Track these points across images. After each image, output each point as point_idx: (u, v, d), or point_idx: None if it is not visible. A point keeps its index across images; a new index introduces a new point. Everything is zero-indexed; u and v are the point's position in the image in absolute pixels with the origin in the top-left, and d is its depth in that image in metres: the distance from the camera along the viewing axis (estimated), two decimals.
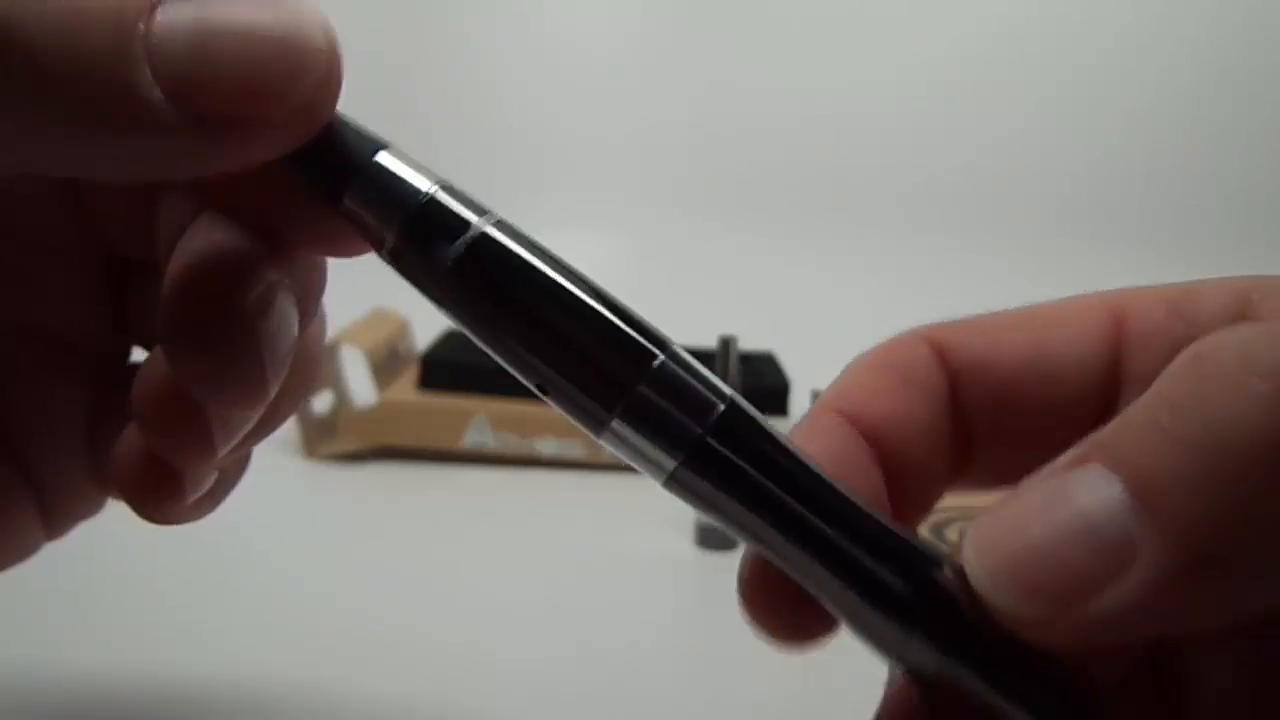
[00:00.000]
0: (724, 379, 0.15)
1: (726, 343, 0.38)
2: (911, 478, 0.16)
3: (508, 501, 0.42)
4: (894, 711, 0.15)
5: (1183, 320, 0.16)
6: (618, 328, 0.14)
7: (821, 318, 0.63)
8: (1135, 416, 0.12)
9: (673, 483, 0.14)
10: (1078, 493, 0.12)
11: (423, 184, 0.14)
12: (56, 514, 0.20)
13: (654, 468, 0.14)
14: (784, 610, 0.15)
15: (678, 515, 0.41)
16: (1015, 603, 0.12)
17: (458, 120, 0.73)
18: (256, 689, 0.26)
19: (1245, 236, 0.66)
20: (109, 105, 0.12)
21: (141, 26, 0.12)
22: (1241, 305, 0.15)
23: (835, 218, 0.67)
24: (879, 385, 0.16)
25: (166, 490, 0.17)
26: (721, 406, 0.14)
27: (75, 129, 0.12)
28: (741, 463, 0.14)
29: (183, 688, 0.25)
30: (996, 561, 0.12)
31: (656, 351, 0.14)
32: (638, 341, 0.14)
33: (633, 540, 0.40)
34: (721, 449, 0.14)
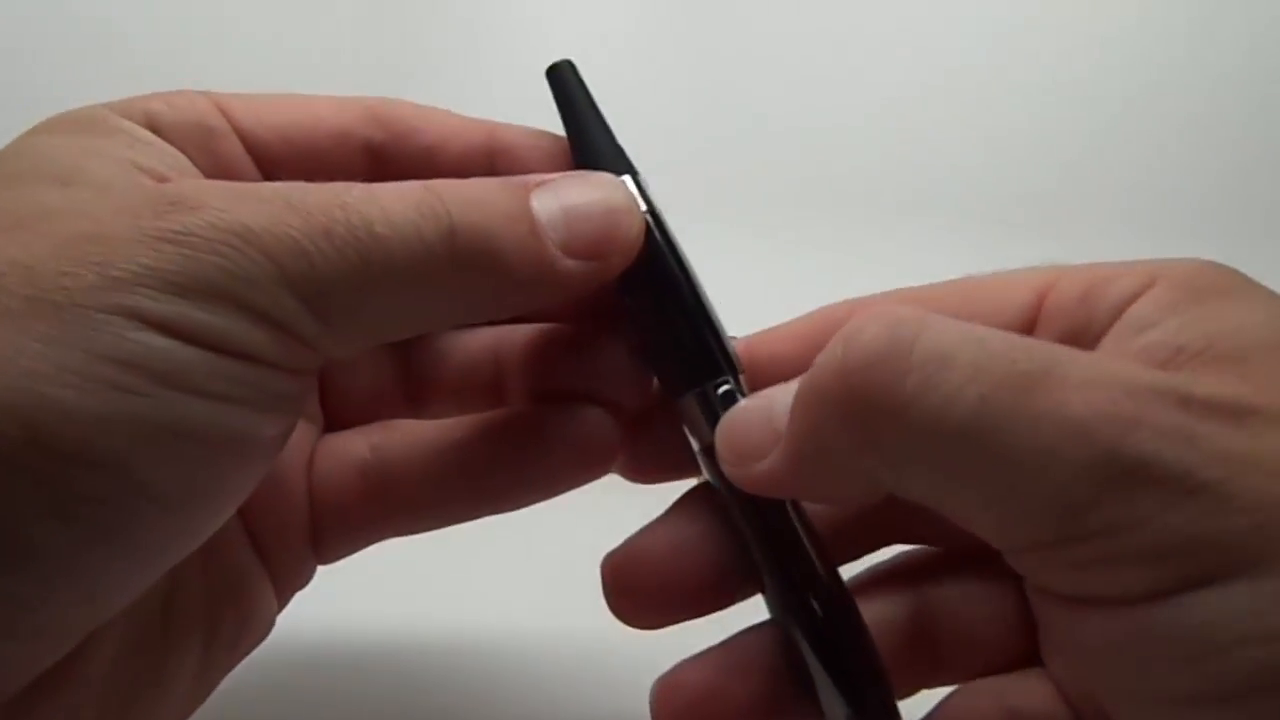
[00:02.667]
0: None
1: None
2: None
3: None
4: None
5: (1089, 305, 0.18)
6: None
7: None
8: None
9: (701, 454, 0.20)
10: (778, 396, 0.18)
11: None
12: (286, 591, 0.22)
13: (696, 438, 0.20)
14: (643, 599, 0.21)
15: None
16: (721, 451, 0.18)
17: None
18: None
19: (1248, 232, 0.66)
20: (534, 267, 0.18)
21: (538, 225, 0.18)
22: (1146, 285, 0.18)
23: (838, 218, 0.67)
24: (790, 334, 0.21)
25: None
26: None
27: (522, 298, 0.19)
28: None
29: None
30: (724, 424, 0.19)
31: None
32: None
33: None
34: None
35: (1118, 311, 0.18)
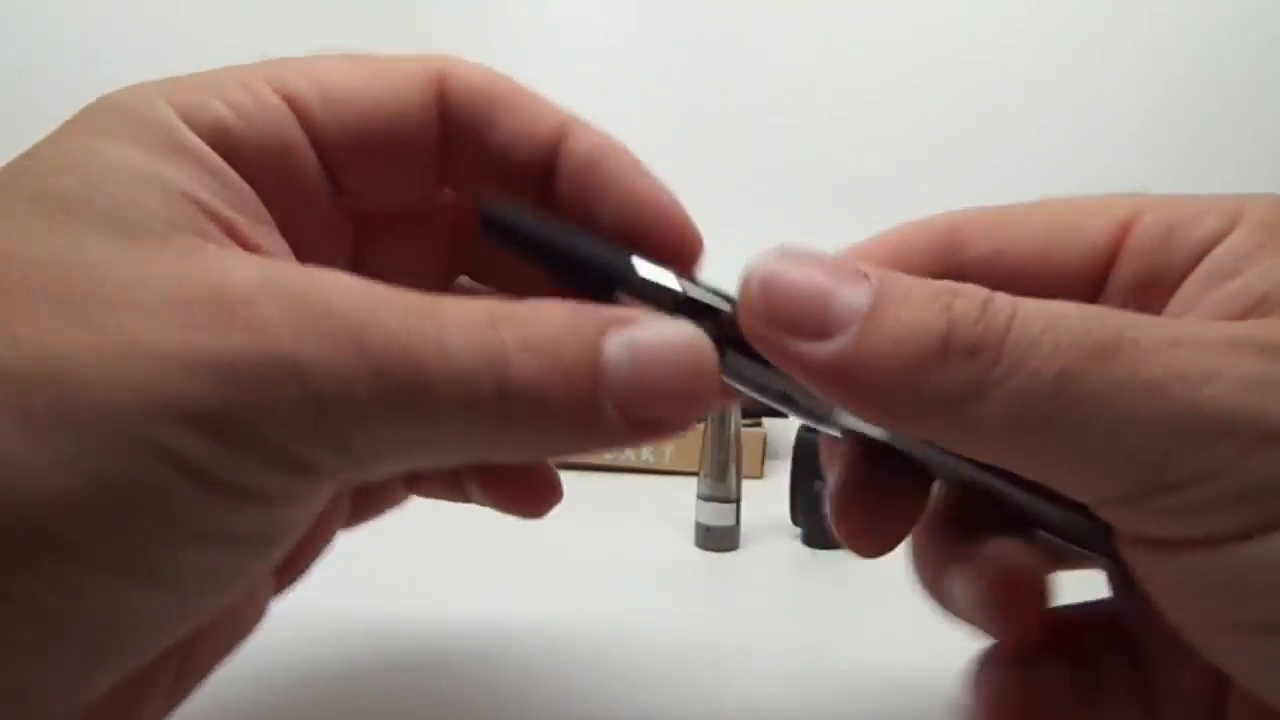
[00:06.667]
0: None
1: None
2: None
3: None
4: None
5: (1170, 245, 0.18)
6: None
7: None
8: (910, 295, 0.15)
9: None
10: (841, 284, 0.16)
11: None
12: (287, 578, 0.22)
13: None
14: (866, 528, 0.19)
15: (678, 515, 0.41)
16: (755, 306, 0.16)
17: None
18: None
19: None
20: (580, 428, 0.15)
21: (602, 386, 0.15)
22: (1228, 226, 0.18)
23: (838, 216, 0.67)
24: (886, 244, 0.20)
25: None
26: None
27: (551, 447, 0.16)
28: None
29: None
30: (762, 273, 0.16)
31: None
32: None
33: (633, 540, 0.40)
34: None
35: (1200, 254, 0.18)
